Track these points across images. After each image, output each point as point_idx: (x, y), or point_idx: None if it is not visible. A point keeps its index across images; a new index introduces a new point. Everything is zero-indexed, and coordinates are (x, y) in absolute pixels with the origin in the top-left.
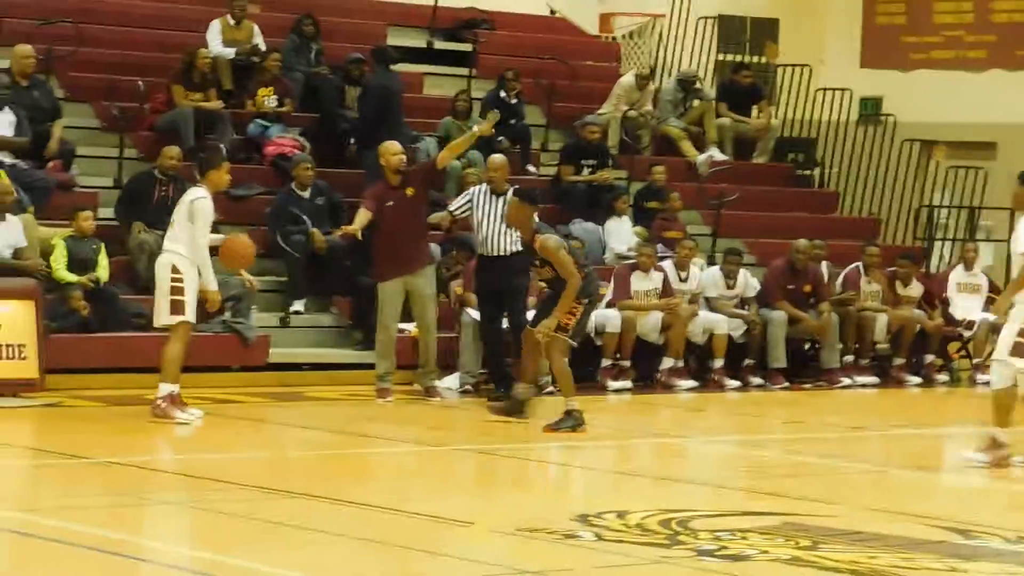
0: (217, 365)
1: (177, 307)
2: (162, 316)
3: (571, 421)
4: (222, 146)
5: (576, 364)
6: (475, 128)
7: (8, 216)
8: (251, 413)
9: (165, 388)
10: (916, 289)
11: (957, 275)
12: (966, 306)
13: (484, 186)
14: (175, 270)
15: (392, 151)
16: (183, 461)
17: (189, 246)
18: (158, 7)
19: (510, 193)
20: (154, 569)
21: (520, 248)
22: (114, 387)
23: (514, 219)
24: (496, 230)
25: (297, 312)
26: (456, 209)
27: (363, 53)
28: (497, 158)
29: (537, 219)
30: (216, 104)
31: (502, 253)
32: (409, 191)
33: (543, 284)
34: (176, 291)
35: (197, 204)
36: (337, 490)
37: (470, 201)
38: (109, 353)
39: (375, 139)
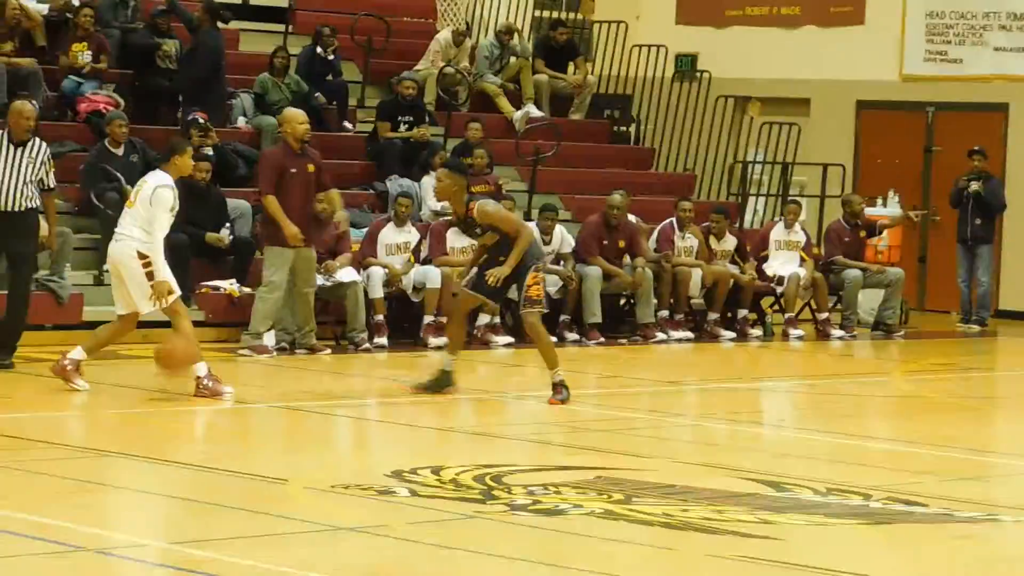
0: (31, 324)
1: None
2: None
3: (565, 393)
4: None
5: (394, 321)
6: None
7: None
8: None
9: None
10: (730, 243)
11: (777, 232)
12: (783, 262)
13: (3, 133)
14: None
15: (299, 120)
16: None
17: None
18: None
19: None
20: None
21: (34, 206)
22: None
23: (445, 193)
24: (12, 183)
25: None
26: None
27: (193, 9)
28: (17, 105)
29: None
30: (28, 60)
31: (14, 209)
32: (310, 168)
33: (484, 254)
34: (149, 276)
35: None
36: (152, 448)
37: None
38: None
39: (202, 98)
